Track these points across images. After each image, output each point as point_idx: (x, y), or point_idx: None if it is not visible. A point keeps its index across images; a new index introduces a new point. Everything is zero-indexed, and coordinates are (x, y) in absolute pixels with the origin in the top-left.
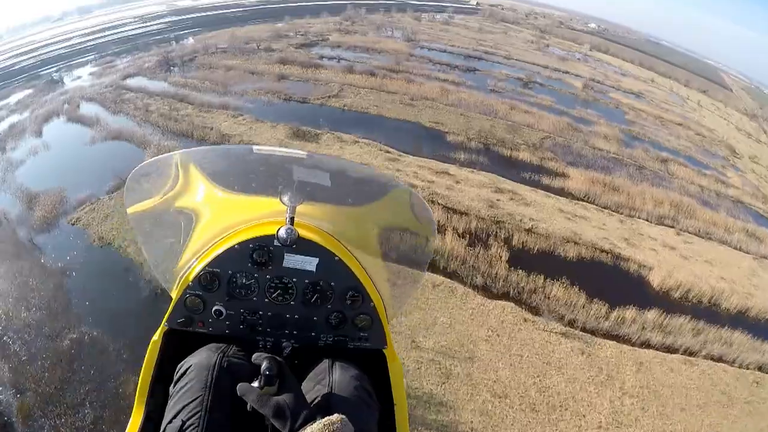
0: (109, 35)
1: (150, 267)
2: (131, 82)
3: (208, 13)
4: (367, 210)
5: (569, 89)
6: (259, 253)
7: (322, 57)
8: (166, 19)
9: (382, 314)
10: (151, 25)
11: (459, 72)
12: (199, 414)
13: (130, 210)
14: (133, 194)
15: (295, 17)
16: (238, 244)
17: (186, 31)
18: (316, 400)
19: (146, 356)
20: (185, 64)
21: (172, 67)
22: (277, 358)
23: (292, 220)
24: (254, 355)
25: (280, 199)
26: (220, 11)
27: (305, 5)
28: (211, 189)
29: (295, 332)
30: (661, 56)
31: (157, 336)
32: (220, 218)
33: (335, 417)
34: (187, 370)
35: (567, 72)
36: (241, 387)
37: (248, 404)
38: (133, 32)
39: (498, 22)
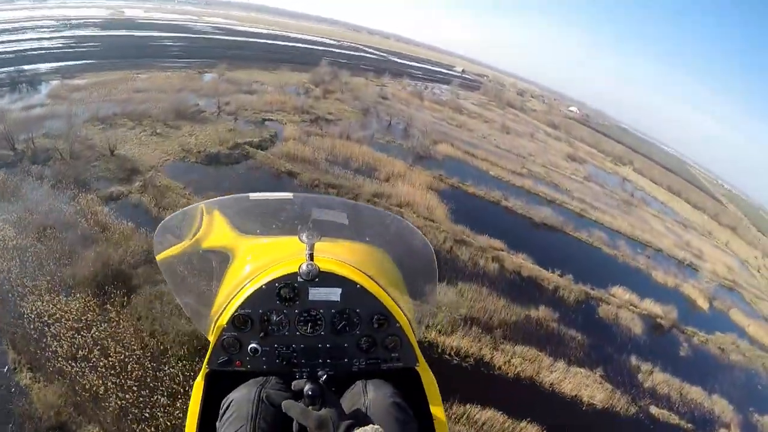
0: None
1: (186, 313)
2: None
3: (139, 33)
4: (374, 240)
5: (710, 343)
6: (285, 290)
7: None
8: (81, 33)
9: (409, 333)
10: (51, 39)
11: (573, 322)
12: None
13: (159, 257)
14: (161, 243)
15: (237, 64)
16: (266, 284)
17: (72, 62)
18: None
19: (191, 397)
20: None
21: None
22: (318, 380)
23: (311, 256)
24: (294, 383)
25: (299, 238)
26: (159, 34)
27: (260, 44)
28: (234, 234)
29: (328, 360)
30: (655, 159)
31: (199, 378)
32: (245, 261)
33: (369, 428)
34: (230, 404)
35: (660, 250)
36: (285, 403)
37: (294, 422)
38: (19, 46)
39: (505, 108)
